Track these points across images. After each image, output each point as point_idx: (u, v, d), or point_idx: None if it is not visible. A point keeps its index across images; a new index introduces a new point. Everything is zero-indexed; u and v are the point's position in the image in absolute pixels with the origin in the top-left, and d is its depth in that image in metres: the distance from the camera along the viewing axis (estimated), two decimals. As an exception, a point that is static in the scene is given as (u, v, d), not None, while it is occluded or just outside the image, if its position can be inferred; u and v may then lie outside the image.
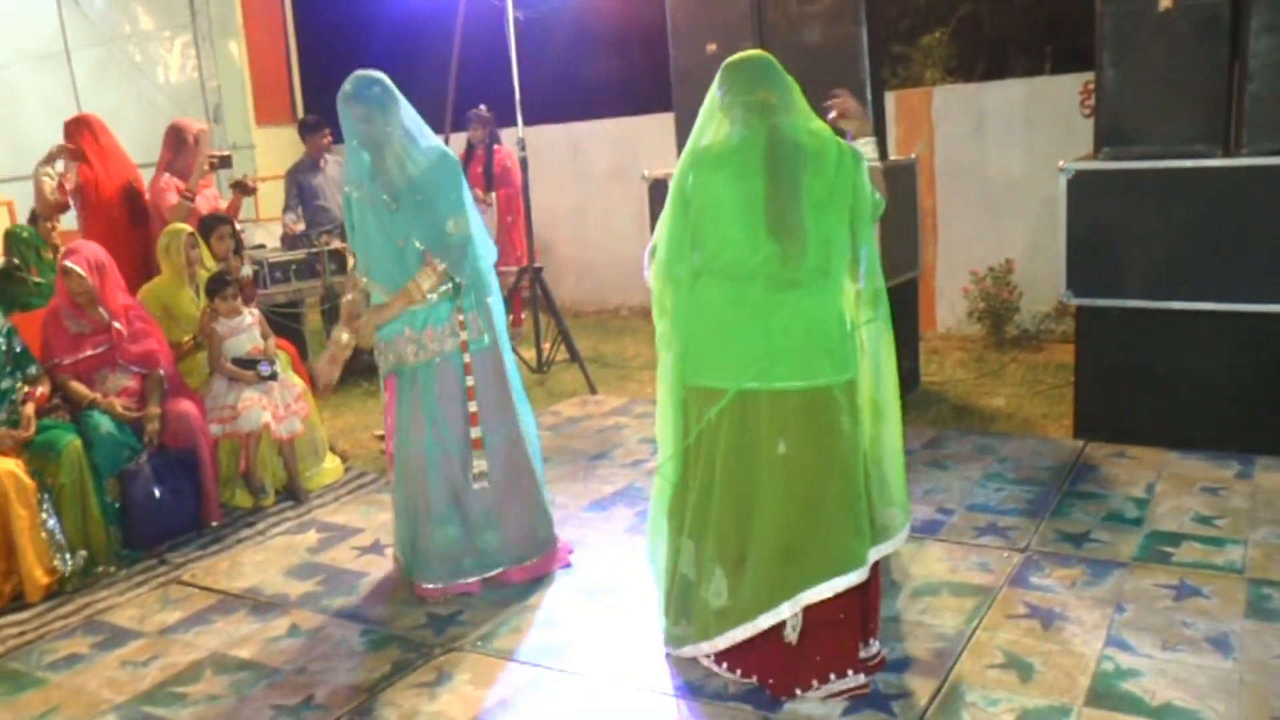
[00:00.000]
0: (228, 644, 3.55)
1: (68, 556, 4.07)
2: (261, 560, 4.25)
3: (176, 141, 5.78)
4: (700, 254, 2.91)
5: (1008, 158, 7.12)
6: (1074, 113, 6.74)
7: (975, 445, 4.99)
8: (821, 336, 2.84)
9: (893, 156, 5.87)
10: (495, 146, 7.75)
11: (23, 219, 6.55)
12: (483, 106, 7.79)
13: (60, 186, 5.58)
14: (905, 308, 5.96)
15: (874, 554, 2.93)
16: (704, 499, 2.95)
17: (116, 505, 4.31)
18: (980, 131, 7.18)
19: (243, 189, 5.99)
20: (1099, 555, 3.74)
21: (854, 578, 2.83)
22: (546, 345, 7.05)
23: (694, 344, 2.95)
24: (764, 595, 2.85)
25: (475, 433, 3.68)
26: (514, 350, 7.08)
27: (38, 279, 5.32)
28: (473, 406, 3.67)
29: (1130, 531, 3.93)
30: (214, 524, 4.59)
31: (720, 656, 3.03)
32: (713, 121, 2.95)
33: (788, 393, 2.82)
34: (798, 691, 2.92)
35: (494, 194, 7.74)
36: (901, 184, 5.62)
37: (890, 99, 7.03)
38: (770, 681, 2.96)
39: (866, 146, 3.04)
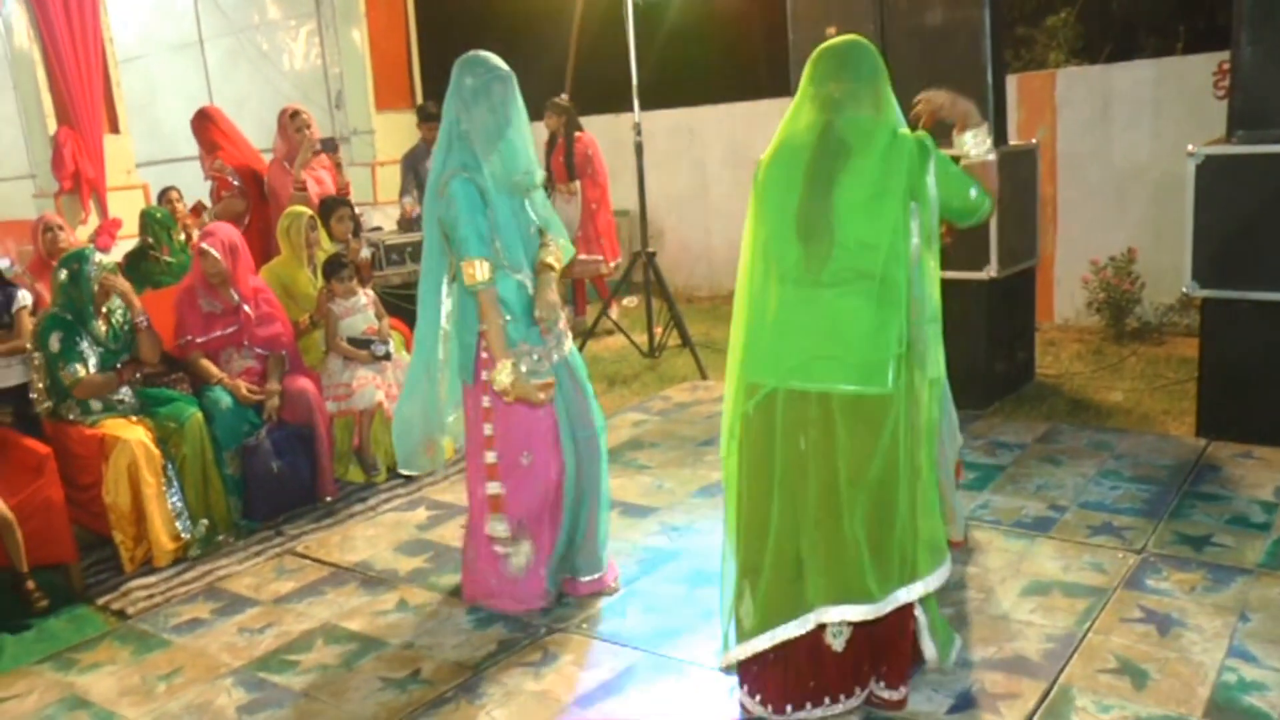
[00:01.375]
0: (338, 615, 3.67)
1: (190, 524, 4.26)
2: (372, 535, 4.38)
3: (277, 126, 5.98)
4: (759, 251, 2.82)
5: (1133, 143, 6.85)
6: (1206, 95, 6.44)
7: (1090, 440, 4.83)
8: (853, 341, 2.66)
9: (1013, 142, 5.70)
10: (576, 135, 7.76)
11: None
12: (564, 96, 7.82)
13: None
14: (1022, 297, 5.80)
15: (896, 596, 2.70)
16: (757, 501, 2.80)
17: (236, 477, 4.50)
18: (1105, 115, 6.91)
19: (329, 148, 6.07)
20: (1221, 560, 3.59)
21: (864, 611, 2.66)
22: (658, 330, 7.07)
23: (745, 339, 2.84)
24: (784, 606, 2.73)
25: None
26: (626, 334, 7.19)
27: (169, 258, 5.56)
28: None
29: (1256, 536, 3.75)
30: (328, 498, 4.75)
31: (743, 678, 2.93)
32: (792, 113, 2.84)
33: (811, 395, 2.68)
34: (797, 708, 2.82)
35: (577, 183, 7.77)
36: (1021, 170, 5.47)
37: (1012, 82, 6.83)
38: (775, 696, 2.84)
39: (975, 138, 2.89)
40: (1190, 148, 4.62)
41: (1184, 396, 5.32)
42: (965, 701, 2.87)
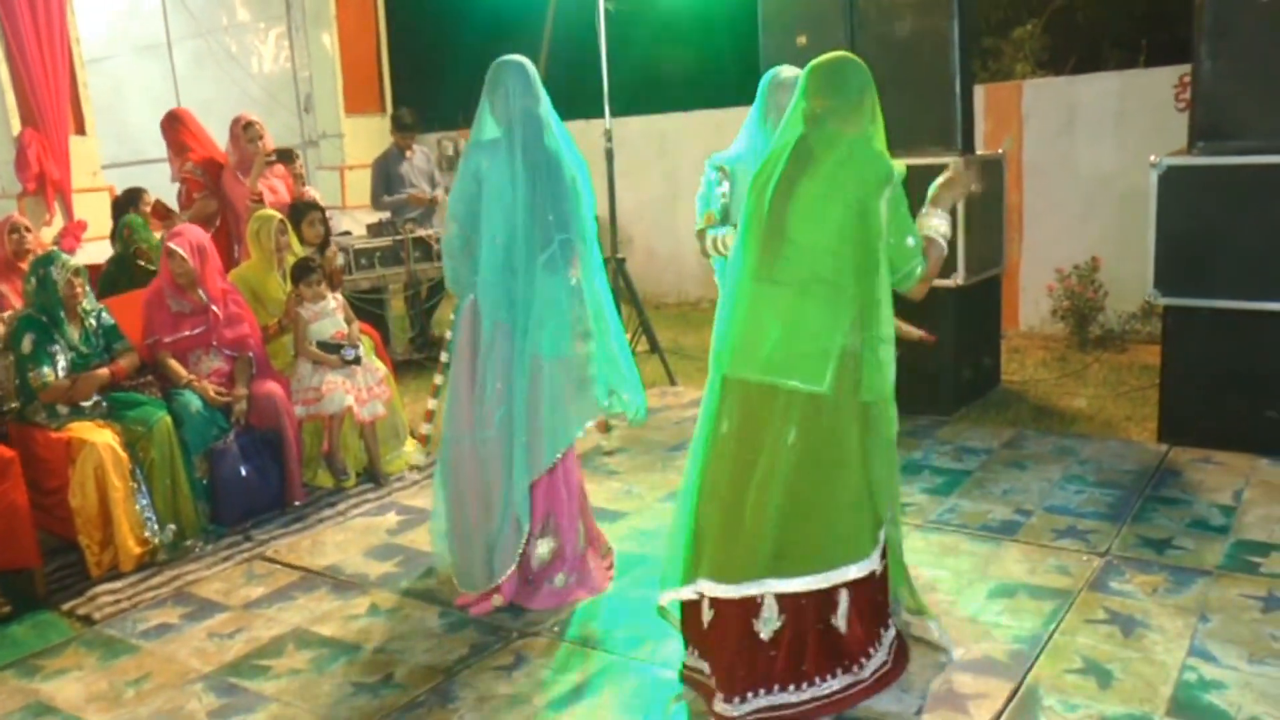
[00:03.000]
0: (309, 620, 3.65)
1: (157, 528, 4.22)
2: (342, 540, 4.36)
3: (230, 135, 5.94)
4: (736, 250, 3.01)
5: (1097, 153, 6.96)
6: (1168, 107, 6.56)
7: (1055, 446, 4.90)
8: (798, 339, 2.81)
9: (980, 151, 5.78)
10: None
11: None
12: None
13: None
14: (988, 305, 5.88)
15: (765, 583, 2.81)
16: (710, 470, 2.96)
17: (204, 482, 4.46)
18: (1070, 126, 7.02)
19: (285, 158, 6.05)
20: (1182, 563, 3.66)
21: (725, 590, 2.83)
22: (627, 336, 7.07)
23: (717, 329, 3.03)
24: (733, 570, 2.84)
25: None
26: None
27: (151, 267, 5.51)
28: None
29: (1215, 539, 3.83)
30: (297, 503, 4.72)
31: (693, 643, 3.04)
32: (783, 126, 3.00)
33: (751, 384, 2.86)
34: (742, 696, 2.82)
35: None
36: (988, 179, 5.54)
37: (979, 93, 6.92)
38: (721, 677, 2.86)
39: (944, 220, 3.02)
40: (1153, 158, 4.71)
41: (1146, 403, 5.41)
42: (935, 701, 2.90)
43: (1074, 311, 6.84)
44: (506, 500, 3.55)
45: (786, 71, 3.90)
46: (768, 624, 2.84)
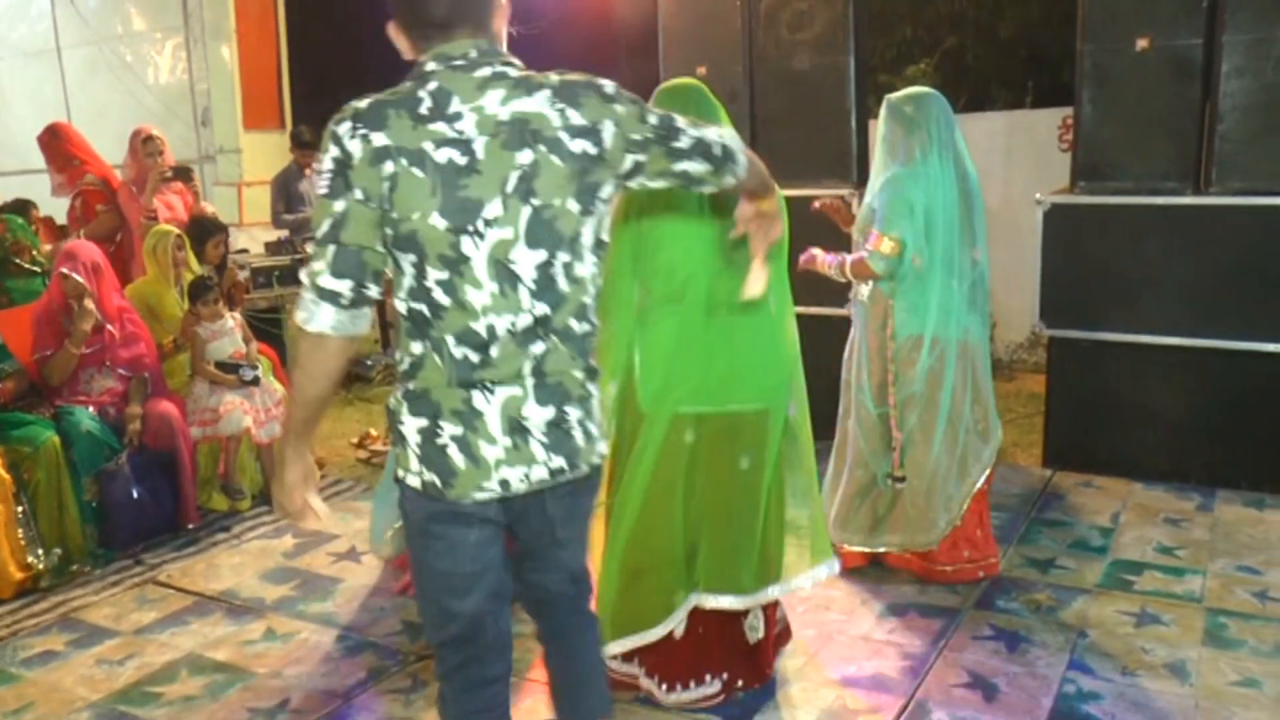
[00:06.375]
0: (203, 645, 3.57)
1: (41, 553, 4.07)
2: (238, 563, 4.27)
3: (129, 148, 5.80)
4: (651, 285, 2.90)
5: (986, 189, 7.07)
6: (1052, 146, 6.86)
7: (947, 470, 5.07)
8: (764, 363, 2.94)
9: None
10: None
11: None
12: None
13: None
14: (882, 333, 6.04)
15: (768, 592, 3.02)
16: (657, 511, 2.95)
17: (94, 504, 4.32)
18: (960, 162, 7.28)
19: (182, 176, 5.93)
20: (1064, 581, 3.83)
21: (731, 602, 2.98)
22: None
23: (653, 370, 2.90)
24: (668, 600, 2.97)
25: None
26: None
27: (31, 266, 5.31)
28: None
29: (1095, 559, 4.01)
30: (190, 526, 4.60)
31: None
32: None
33: (724, 415, 2.91)
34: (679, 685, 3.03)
35: None
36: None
37: (873, 127, 7.13)
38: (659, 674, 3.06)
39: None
40: (1038, 196, 4.94)
41: (1032, 429, 5.62)
42: (828, 717, 2.99)
43: (964, 340, 7.06)
44: None
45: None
46: (753, 630, 3.08)
